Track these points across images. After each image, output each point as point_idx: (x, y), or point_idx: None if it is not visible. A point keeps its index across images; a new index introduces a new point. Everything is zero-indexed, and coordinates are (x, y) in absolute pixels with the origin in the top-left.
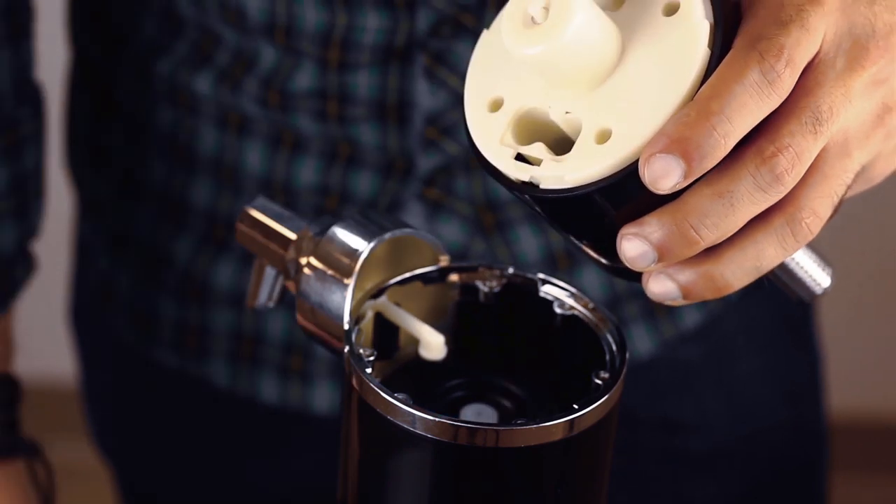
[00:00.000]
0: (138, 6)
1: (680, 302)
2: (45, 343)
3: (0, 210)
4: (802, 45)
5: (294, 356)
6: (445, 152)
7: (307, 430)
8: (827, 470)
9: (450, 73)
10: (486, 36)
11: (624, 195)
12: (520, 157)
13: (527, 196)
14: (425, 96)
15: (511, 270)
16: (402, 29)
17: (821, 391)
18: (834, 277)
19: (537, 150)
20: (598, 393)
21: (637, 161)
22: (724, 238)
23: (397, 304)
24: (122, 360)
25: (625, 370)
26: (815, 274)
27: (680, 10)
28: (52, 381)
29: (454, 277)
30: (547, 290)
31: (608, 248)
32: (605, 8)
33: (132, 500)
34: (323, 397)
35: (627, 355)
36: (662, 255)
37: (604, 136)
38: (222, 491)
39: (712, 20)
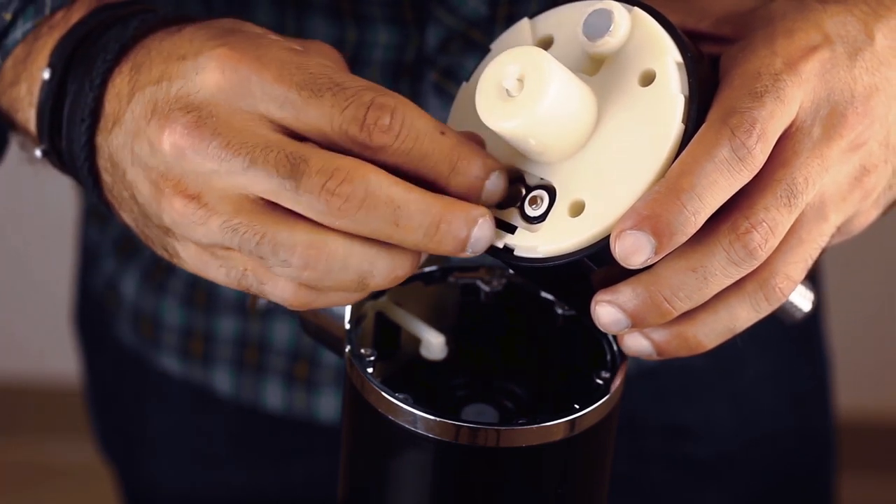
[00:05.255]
0: None
1: (654, 358)
2: (46, 343)
3: None
4: (776, 118)
5: (299, 364)
6: None
7: (312, 438)
8: (834, 476)
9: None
10: (465, 88)
11: (597, 265)
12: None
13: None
14: (435, 111)
15: (512, 270)
16: (411, 45)
17: (828, 396)
18: (814, 303)
19: (512, 215)
20: (598, 393)
21: (609, 235)
22: (696, 305)
23: (398, 304)
24: (126, 366)
25: (625, 370)
26: (796, 301)
27: (656, 81)
28: (52, 381)
29: (455, 277)
30: None
31: (582, 307)
32: (580, 72)
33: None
34: (328, 405)
35: (628, 356)
36: (636, 322)
37: (577, 209)
38: (226, 498)
39: (687, 93)
